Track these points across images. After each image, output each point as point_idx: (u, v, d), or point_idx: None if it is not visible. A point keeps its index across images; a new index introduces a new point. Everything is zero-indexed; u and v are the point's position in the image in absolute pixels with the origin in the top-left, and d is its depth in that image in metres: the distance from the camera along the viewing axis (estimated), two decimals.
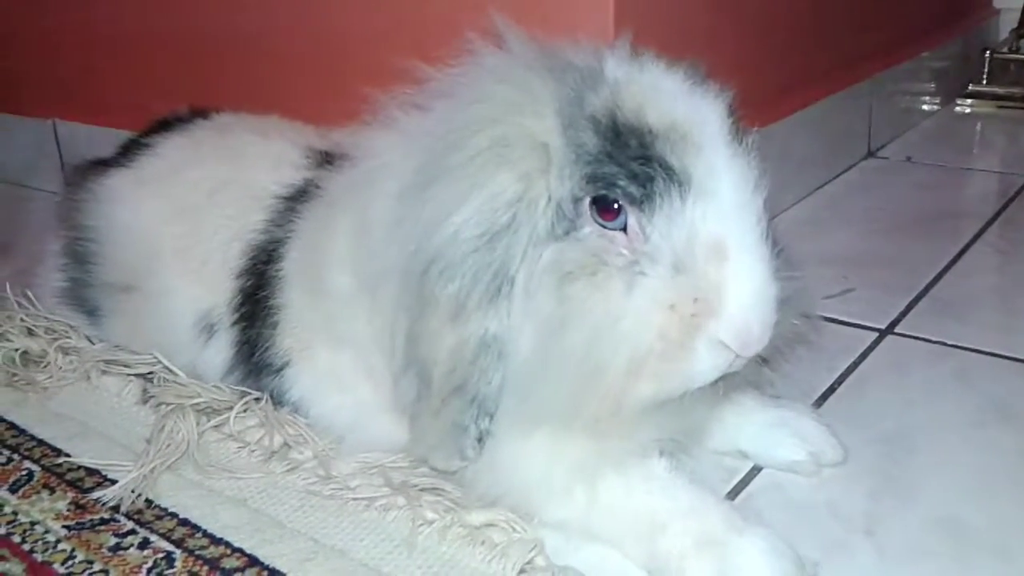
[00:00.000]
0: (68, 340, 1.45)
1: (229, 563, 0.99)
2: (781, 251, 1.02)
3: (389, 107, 1.12)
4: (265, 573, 0.97)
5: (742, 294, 0.91)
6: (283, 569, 0.98)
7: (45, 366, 1.43)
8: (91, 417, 1.32)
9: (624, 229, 0.93)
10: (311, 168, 1.36)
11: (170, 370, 1.30)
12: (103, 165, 1.53)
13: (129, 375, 1.39)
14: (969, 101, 2.86)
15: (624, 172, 0.91)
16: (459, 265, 0.94)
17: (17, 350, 1.45)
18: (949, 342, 1.46)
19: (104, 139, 1.90)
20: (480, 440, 0.98)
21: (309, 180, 1.33)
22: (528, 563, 0.97)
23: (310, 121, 1.57)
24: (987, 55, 2.88)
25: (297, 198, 1.31)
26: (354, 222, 1.11)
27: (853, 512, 1.08)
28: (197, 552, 1.01)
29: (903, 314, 1.57)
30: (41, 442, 1.25)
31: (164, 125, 1.59)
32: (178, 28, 2.13)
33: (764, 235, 0.95)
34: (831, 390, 1.34)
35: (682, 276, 0.91)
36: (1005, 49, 2.98)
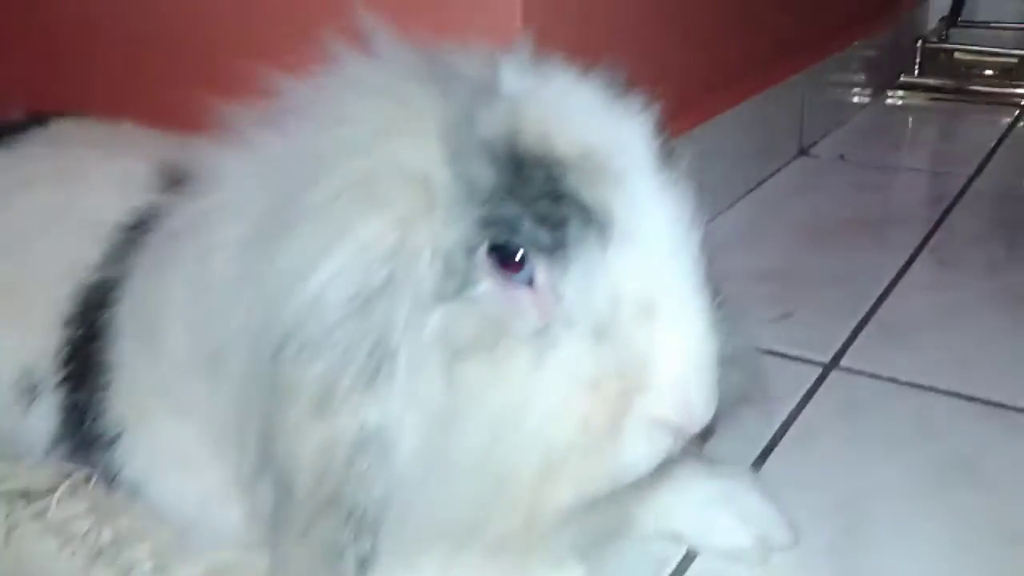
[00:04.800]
0: None
1: None
2: (723, 301, 0.83)
3: (242, 121, 0.89)
4: None
5: (676, 360, 0.73)
6: None
7: None
8: None
9: (531, 283, 0.73)
10: (160, 190, 1.12)
11: None
12: None
13: None
14: (901, 93, 2.73)
15: (529, 213, 0.71)
16: (324, 340, 0.72)
17: None
18: (902, 379, 1.29)
19: None
20: (363, 566, 0.77)
21: (154, 204, 1.09)
22: None
23: (174, 124, 1.32)
24: (919, 45, 2.75)
25: (139, 227, 1.07)
26: (191, 270, 0.88)
27: None
28: None
29: (848, 342, 1.40)
30: None
31: None
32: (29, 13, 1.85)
33: (701, 284, 0.76)
34: (773, 444, 1.17)
35: (604, 344, 0.71)
36: (935, 39, 2.87)
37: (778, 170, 2.17)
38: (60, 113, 1.38)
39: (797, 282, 1.60)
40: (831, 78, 2.40)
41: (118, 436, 1.00)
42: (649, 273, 0.72)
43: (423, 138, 0.75)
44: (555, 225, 0.71)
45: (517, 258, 0.73)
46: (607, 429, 0.71)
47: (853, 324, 1.45)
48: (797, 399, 1.26)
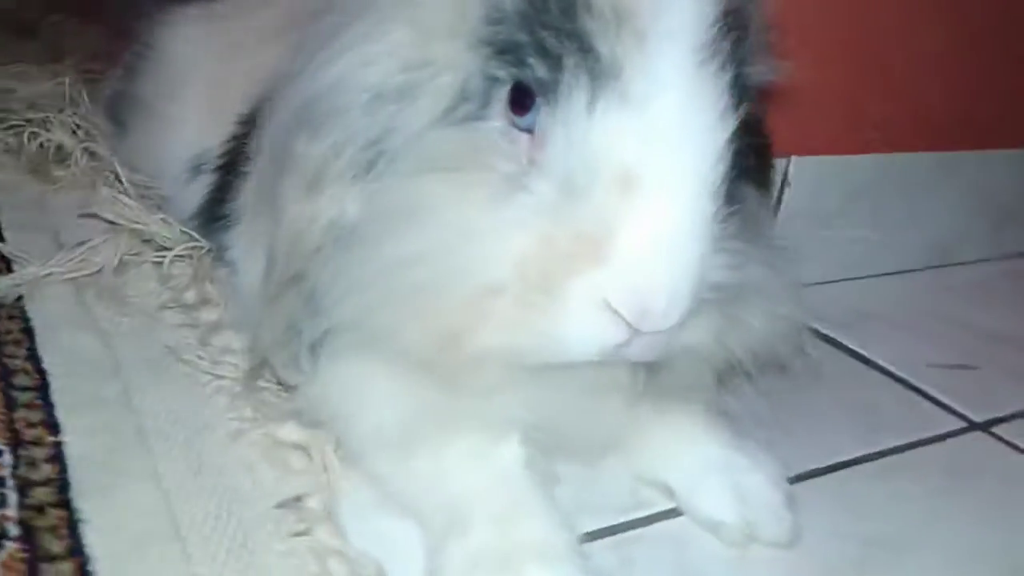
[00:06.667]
0: (95, 145, 1.42)
1: (22, 411, 0.85)
2: (750, 222, 0.76)
3: None
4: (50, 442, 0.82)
5: (645, 240, 0.66)
6: (69, 444, 0.82)
7: (69, 165, 1.41)
8: (65, 222, 1.27)
9: (532, 130, 0.71)
10: None
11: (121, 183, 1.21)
12: None
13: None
14: None
15: (533, 44, 0.69)
16: (331, 121, 0.76)
17: (51, 142, 1.43)
18: None
19: None
20: (313, 349, 0.80)
21: None
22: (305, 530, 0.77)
23: None
24: None
25: None
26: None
27: None
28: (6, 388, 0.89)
29: (1016, 415, 1.18)
30: None
31: None
32: None
33: (712, 186, 0.69)
34: (853, 462, 1.02)
35: (572, 203, 0.67)
36: None
37: None
38: None
39: (1002, 340, 1.37)
40: None
41: (235, 223, 1.11)
42: (641, 143, 0.66)
43: None
44: (553, 61, 0.68)
45: (526, 99, 0.71)
46: (544, 285, 0.67)
47: None
48: (916, 437, 1.08)
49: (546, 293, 0.67)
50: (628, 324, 0.67)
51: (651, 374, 0.78)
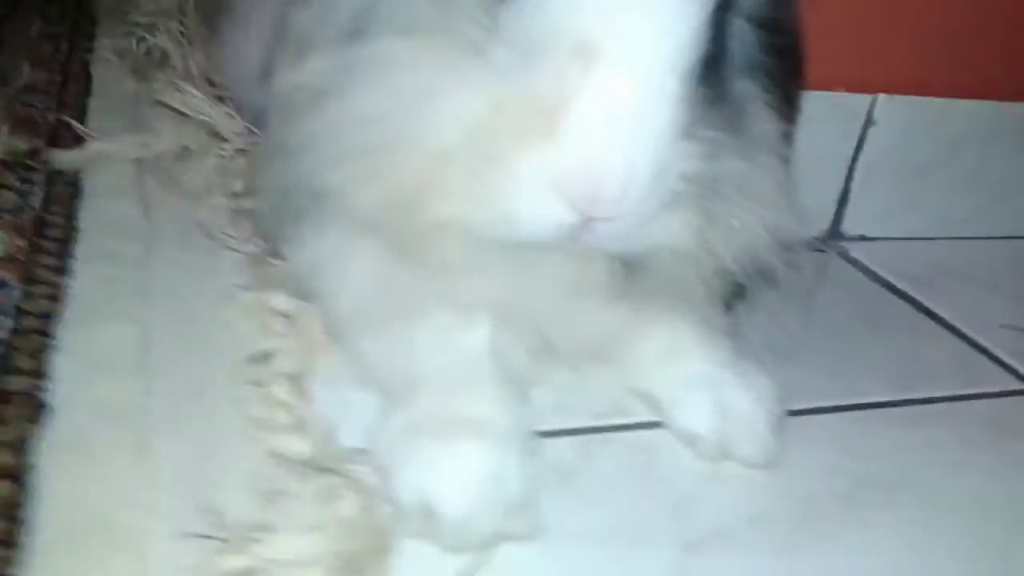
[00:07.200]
0: (193, 50, 1.49)
1: (43, 257, 0.92)
2: (739, 117, 0.72)
3: None
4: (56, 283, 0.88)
5: (598, 114, 0.63)
6: (73, 286, 0.88)
7: (167, 67, 1.49)
8: (148, 115, 1.34)
9: None
10: None
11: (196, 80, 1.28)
12: None
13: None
14: None
15: None
16: None
17: (156, 47, 1.52)
18: None
19: None
20: (298, 217, 0.82)
21: None
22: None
23: None
24: None
25: None
26: None
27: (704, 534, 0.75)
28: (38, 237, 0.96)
29: None
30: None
31: None
32: None
33: (682, 65, 0.65)
34: (879, 405, 0.96)
35: (528, 72, 0.65)
36: None
37: None
38: None
39: None
40: None
41: None
42: (603, 12, 0.64)
43: None
44: None
45: None
46: (492, 156, 0.66)
47: None
48: (956, 392, 1.00)
49: (494, 164, 0.66)
50: (578, 201, 0.65)
51: (630, 272, 0.75)
